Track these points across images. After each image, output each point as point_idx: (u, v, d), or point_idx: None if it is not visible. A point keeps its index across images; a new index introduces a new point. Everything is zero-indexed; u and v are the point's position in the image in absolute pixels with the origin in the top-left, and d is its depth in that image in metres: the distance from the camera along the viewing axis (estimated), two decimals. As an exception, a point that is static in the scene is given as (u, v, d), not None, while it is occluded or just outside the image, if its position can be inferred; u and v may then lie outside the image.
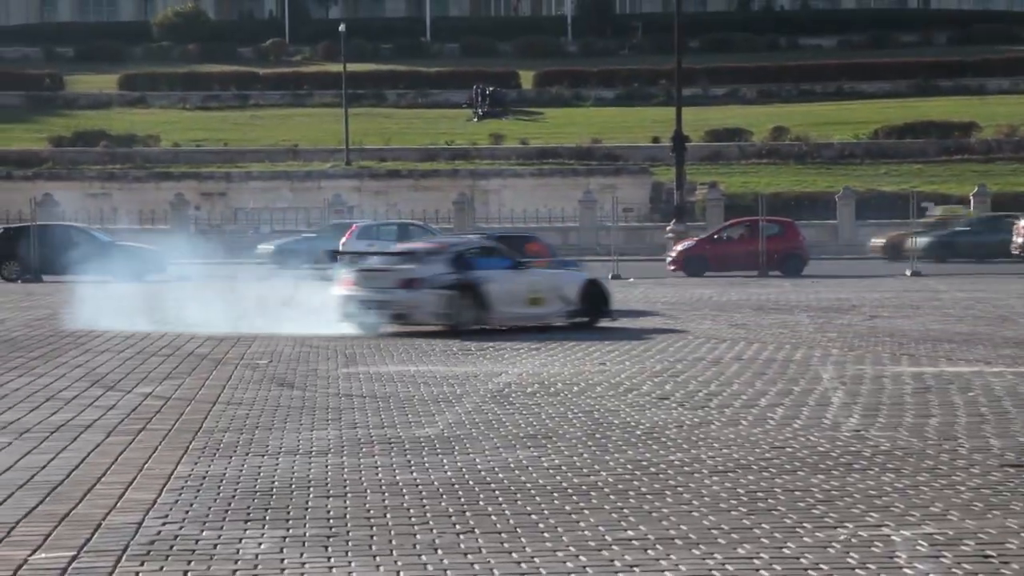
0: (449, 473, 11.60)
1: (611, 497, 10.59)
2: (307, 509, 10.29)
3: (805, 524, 9.67)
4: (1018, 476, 11.27)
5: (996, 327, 24.42)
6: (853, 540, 9.21)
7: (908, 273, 43.62)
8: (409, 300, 24.39)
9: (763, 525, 9.65)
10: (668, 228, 54.31)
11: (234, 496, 10.75)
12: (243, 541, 9.34)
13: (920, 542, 9.14)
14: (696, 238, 48.60)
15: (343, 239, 47.33)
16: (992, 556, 8.78)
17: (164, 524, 9.82)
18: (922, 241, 49.46)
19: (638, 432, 13.56)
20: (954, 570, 8.48)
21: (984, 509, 10.08)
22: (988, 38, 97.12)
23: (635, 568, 8.59)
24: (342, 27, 79.39)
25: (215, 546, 9.22)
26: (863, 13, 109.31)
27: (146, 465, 12.05)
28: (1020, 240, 46.19)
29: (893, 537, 9.27)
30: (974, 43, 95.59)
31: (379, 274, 25.16)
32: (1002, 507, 10.14)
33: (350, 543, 9.27)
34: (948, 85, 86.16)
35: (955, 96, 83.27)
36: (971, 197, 60.80)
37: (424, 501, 10.51)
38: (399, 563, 8.76)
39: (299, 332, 24.04)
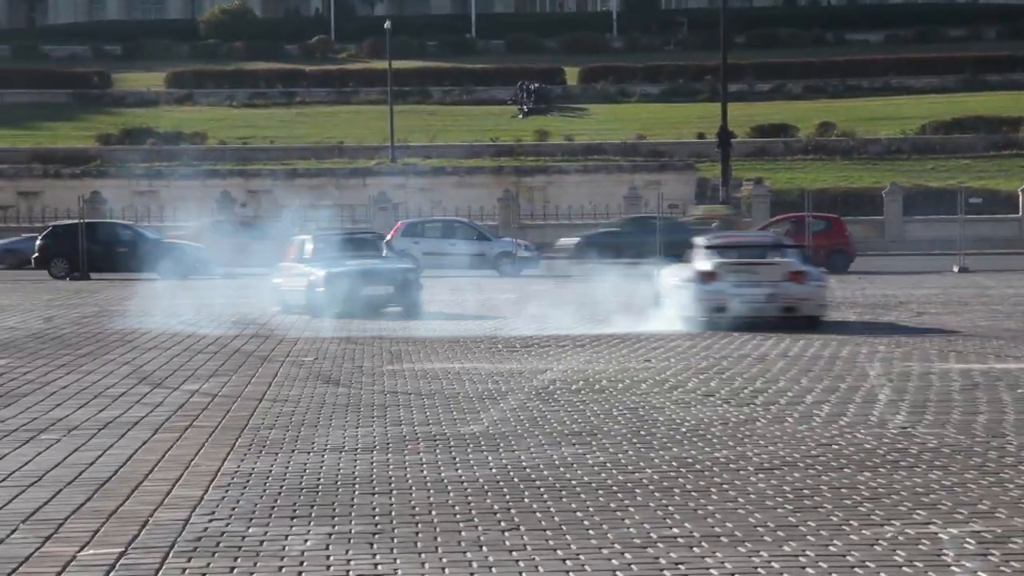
0: (494, 470, 11.61)
1: (656, 495, 10.57)
2: (352, 506, 10.31)
3: (851, 522, 9.62)
4: (1067, 474, 11.18)
5: (1044, 323, 24.25)
6: (900, 538, 9.17)
7: (955, 269, 43.36)
8: (801, 293, 24.35)
9: (809, 523, 9.61)
10: (713, 224, 54.10)
11: (280, 493, 10.79)
12: (289, 538, 9.37)
13: (968, 540, 9.08)
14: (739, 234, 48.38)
15: (388, 236, 47.43)
16: (1040, 555, 8.72)
17: (211, 521, 9.87)
18: (570, 241, 48.86)
19: (683, 429, 13.53)
20: (1002, 568, 8.42)
21: (1032, 507, 10.00)
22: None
23: (680, 566, 8.57)
24: (387, 24, 79.52)
25: (261, 542, 9.26)
26: (910, 8, 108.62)
27: (193, 462, 12.11)
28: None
29: (940, 535, 9.22)
30: (1022, 37, 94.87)
31: (759, 267, 24.93)
32: (1051, 505, 10.06)
33: (395, 540, 9.29)
34: (996, 80, 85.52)
35: (1003, 91, 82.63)
36: (1020, 192, 60.36)
37: (469, 498, 10.52)
38: (444, 560, 8.77)
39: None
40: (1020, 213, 59.46)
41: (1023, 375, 17.18)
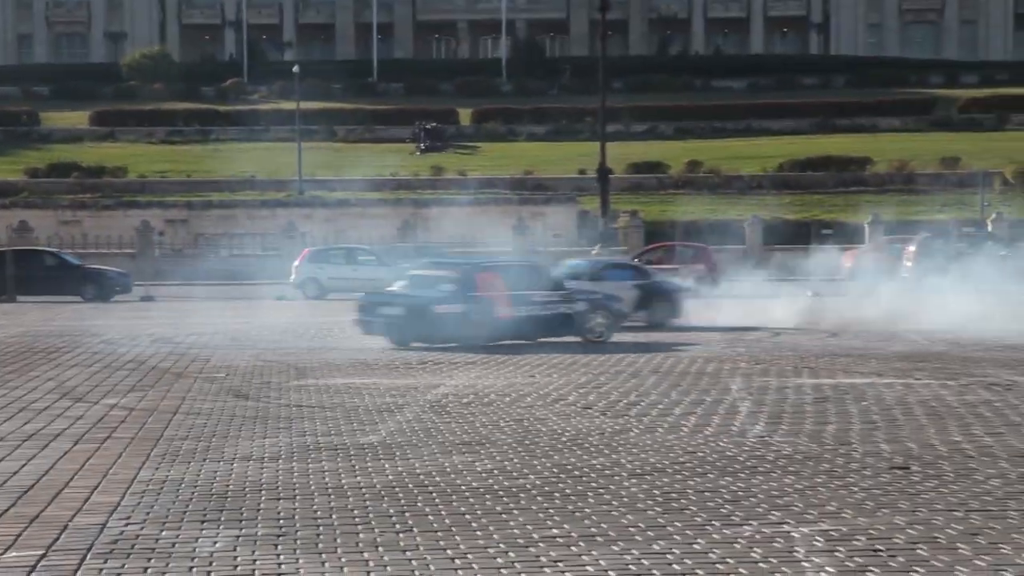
0: (390, 477, 11.56)
1: (538, 498, 10.58)
2: (259, 510, 10.21)
3: (714, 522, 9.70)
4: (905, 477, 11.36)
5: (887, 343, 24.63)
6: (757, 536, 9.25)
7: (809, 294, 43.87)
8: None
9: (676, 523, 9.67)
10: (593, 252, 54.38)
11: (192, 499, 10.65)
12: (199, 540, 9.26)
13: (816, 538, 9.19)
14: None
15: (295, 263, 47.11)
16: (881, 550, 8.84)
17: (127, 525, 9.72)
18: None
19: (563, 439, 13.56)
20: (847, 563, 8.53)
21: (874, 508, 10.15)
22: (881, 81, 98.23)
23: (559, 563, 8.58)
24: (296, 68, 79.18)
25: (173, 545, 9.14)
26: (770, 58, 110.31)
27: (111, 471, 11.92)
28: (909, 263, 46.64)
29: (792, 533, 9.32)
30: (869, 86, 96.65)
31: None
32: (890, 506, 10.21)
33: (298, 542, 9.21)
34: (845, 123, 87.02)
35: (852, 133, 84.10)
36: (865, 225, 61.31)
37: (367, 503, 10.46)
38: (343, 560, 8.71)
39: None
40: (866, 243, 60.39)
41: (868, 389, 17.43)
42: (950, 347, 23.61)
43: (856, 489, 10.86)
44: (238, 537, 9.34)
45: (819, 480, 11.25)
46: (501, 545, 9.04)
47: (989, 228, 56.47)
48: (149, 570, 8.51)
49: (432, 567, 8.51)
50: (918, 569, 8.37)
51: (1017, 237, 54.04)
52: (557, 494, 10.74)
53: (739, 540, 9.15)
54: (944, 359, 21.38)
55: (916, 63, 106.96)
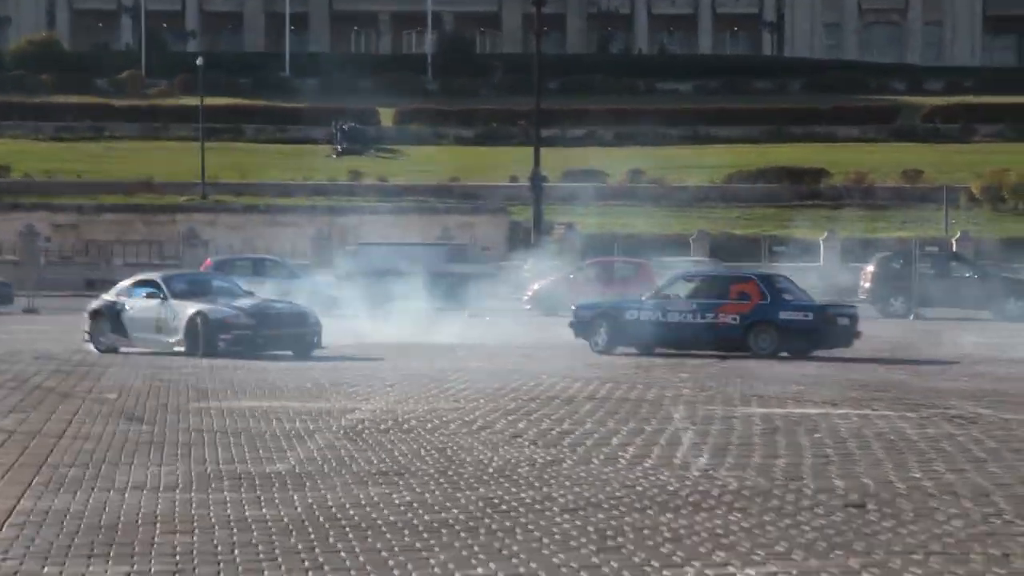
0: (299, 509, 11.51)
1: (462, 535, 10.58)
2: (153, 545, 10.13)
3: (653, 562, 9.73)
4: (860, 516, 11.46)
5: (843, 370, 24.86)
6: (700, 578, 9.29)
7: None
8: None
9: (612, 563, 9.69)
10: (525, 267, 54.50)
11: (78, 532, 10.55)
12: (86, 578, 9.16)
13: (765, 580, 9.24)
14: (552, 277, 48.82)
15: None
16: (834, 594, 8.90)
17: (4, 559, 9.60)
18: None
19: (490, 470, 13.56)
20: (797, 608, 8.58)
21: (827, 548, 10.23)
22: (839, 86, 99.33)
23: (484, 605, 8.58)
24: (200, 60, 78.81)
25: (57, 583, 9.04)
26: (719, 59, 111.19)
27: (-12, 500, 11.78)
28: (867, 285, 47.11)
29: (738, 575, 9.37)
30: (826, 91, 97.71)
31: None
32: (844, 546, 10.30)
33: (196, 580, 9.14)
34: (800, 131, 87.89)
35: (807, 142, 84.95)
36: (821, 242, 61.94)
37: (274, 537, 10.41)
38: (246, 600, 8.65)
39: None
40: (821, 261, 61.01)
41: (821, 420, 17.58)
42: (910, 376, 23.87)
43: (807, 528, 10.94)
44: (129, 574, 9.26)
45: (767, 518, 11.33)
46: (420, 585, 9.02)
47: (954, 247, 57.21)
48: (29, 610, 8.41)
49: (344, 609, 8.47)
50: (874, 615, 8.44)
51: (984, 257, 54.81)
52: (483, 530, 10.75)
53: (681, 582, 9.19)
54: (904, 388, 21.61)
55: (877, 67, 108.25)
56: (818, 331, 27.62)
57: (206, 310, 26.88)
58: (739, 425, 17.03)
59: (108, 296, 28.79)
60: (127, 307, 27.82)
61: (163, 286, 27.94)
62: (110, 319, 27.86)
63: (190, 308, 27.02)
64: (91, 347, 27.93)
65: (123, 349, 27.97)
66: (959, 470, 13.75)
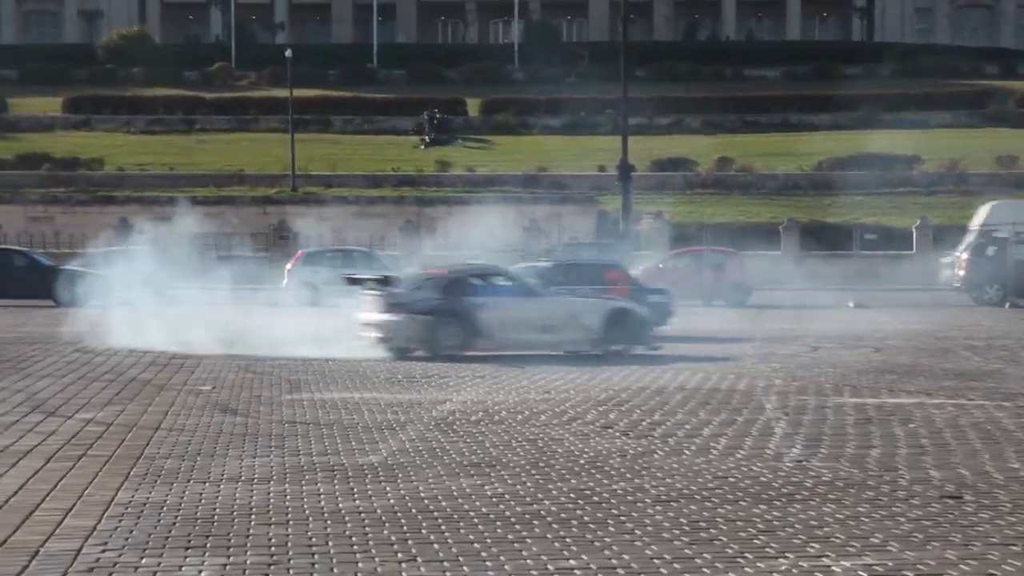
0: (392, 501, 11.57)
1: (554, 526, 10.59)
2: (248, 537, 10.23)
3: (746, 554, 9.70)
4: (957, 508, 11.35)
5: (937, 359, 24.62)
6: (794, 570, 9.25)
7: (851, 304, 43.90)
8: (393, 325, 24.67)
9: (705, 555, 9.67)
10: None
11: (175, 523, 10.68)
12: (183, 569, 9.28)
13: (860, 572, 9.18)
14: (641, 267, 48.72)
15: (288, 265, 47.22)
16: (931, 587, 8.83)
17: (103, 551, 9.74)
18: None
19: (581, 461, 13.57)
20: (894, 601, 8.52)
21: (923, 540, 10.14)
22: (931, 72, 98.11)
23: (577, 598, 8.59)
24: (288, 52, 79.27)
25: (155, 573, 9.16)
26: (808, 45, 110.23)
27: (86, 492, 11.95)
28: (961, 272, 46.59)
29: (833, 568, 9.32)
30: (917, 76, 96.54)
31: (372, 299, 25.51)
32: (941, 539, 10.21)
33: (291, 571, 9.22)
34: (891, 118, 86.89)
35: (898, 129, 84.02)
36: (913, 230, 61.31)
37: (366, 529, 10.48)
38: (341, 592, 8.72)
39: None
40: (914, 250, 60.39)
41: (915, 410, 17.42)
42: (1007, 364, 23.59)
43: (903, 520, 10.86)
44: (225, 566, 9.36)
45: (862, 509, 11.25)
46: (514, 577, 9.05)
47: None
48: (129, 601, 8.53)
49: (438, 601, 8.52)
50: (972, 608, 8.37)
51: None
52: (575, 522, 10.76)
53: (775, 574, 9.16)
54: (1000, 377, 21.37)
55: (969, 52, 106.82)
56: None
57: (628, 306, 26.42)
58: (832, 415, 16.93)
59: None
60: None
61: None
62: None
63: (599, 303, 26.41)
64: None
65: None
66: (1057, 461, 13.58)
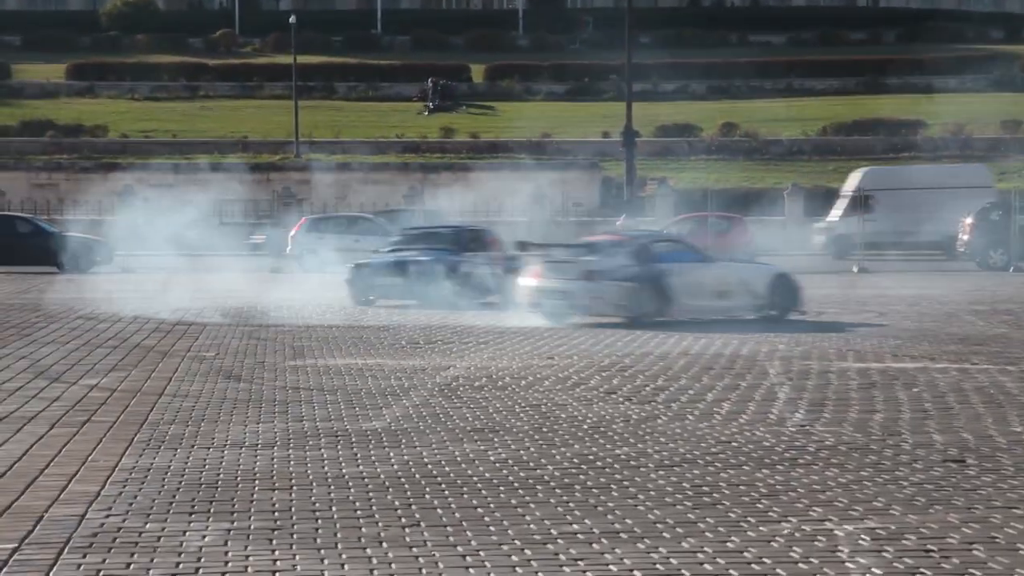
0: (395, 466, 11.59)
1: (557, 491, 10.61)
2: (252, 502, 10.25)
3: (749, 518, 9.71)
4: (960, 472, 11.36)
5: (942, 324, 24.60)
6: (796, 534, 9.26)
7: (855, 270, 43.88)
8: (590, 291, 24.34)
9: (708, 519, 9.68)
10: (618, 223, 54.40)
11: (179, 489, 10.70)
12: (187, 534, 9.30)
13: (862, 536, 9.20)
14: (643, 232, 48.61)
15: (291, 232, 47.21)
16: (933, 551, 8.85)
17: (107, 516, 9.77)
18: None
19: (585, 426, 13.58)
20: (895, 564, 8.54)
21: (926, 504, 10.15)
22: (936, 36, 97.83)
23: (580, 562, 8.61)
24: (292, 19, 79.13)
25: (159, 538, 9.18)
26: (812, 10, 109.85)
27: (90, 457, 11.98)
28: (965, 237, 46.53)
29: (836, 531, 9.33)
30: (922, 41, 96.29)
31: (563, 266, 25.03)
32: (944, 502, 10.22)
33: (295, 536, 9.24)
34: (896, 83, 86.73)
35: (902, 94, 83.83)
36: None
37: (370, 494, 10.50)
38: (344, 556, 8.74)
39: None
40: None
41: (919, 374, 17.42)
42: (1011, 328, 23.58)
43: (906, 484, 10.87)
44: (229, 531, 9.38)
45: (865, 473, 11.26)
46: (516, 542, 9.07)
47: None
48: (132, 565, 8.55)
49: (441, 565, 8.54)
50: (974, 572, 8.38)
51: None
52: (578, 486, 10.77)
53: (777, 538, 9.17)
54: (1004, 342, 21.36)
55: (975, 16, 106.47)
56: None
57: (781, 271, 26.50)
58: (835, 380, 16.93)
59: None
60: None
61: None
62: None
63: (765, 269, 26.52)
64: None
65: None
66: (1060, 425, 13.58)
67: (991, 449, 12.33)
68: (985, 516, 9.77)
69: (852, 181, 53.31)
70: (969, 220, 46.61)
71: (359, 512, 9.92)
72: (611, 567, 8.51)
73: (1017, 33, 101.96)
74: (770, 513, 9.87)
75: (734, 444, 12.60)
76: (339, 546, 8.98)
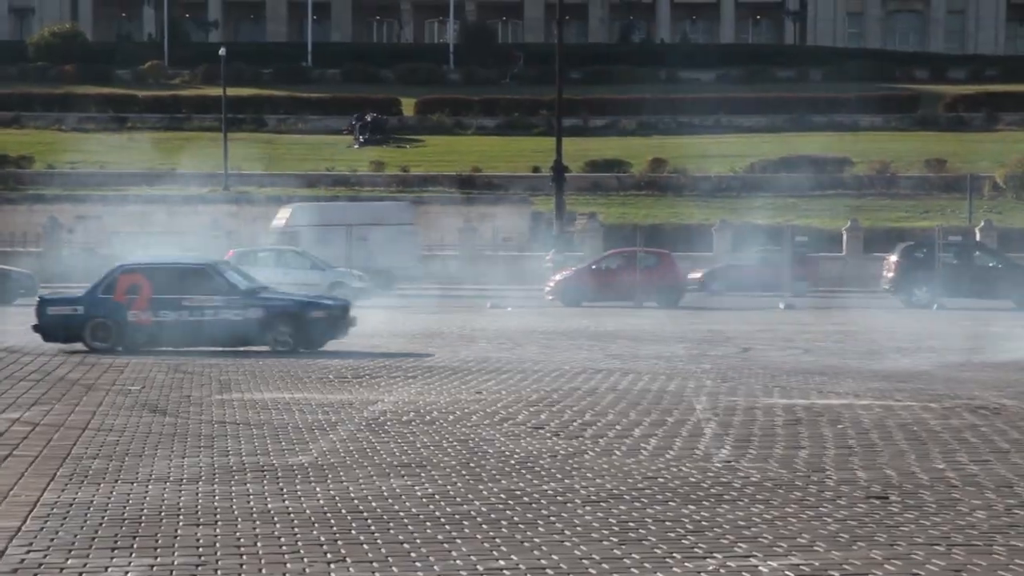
0: (322, 501, 11.54)
1: (484, 527, 10.60)
2: (176, 537, 10.17)
3: (675, 554, 9.74)
4: (883, 508, 11.45)
5: (866, 361, 24.81)
6: (722, 571, 9.30)
7: (781, 306, 44.18)
8: None
9: (633, 555, 9.70)
10: (547, 257, 54.55)
11: (101, 524, 10.59)
12: (109, 570, 9.20)
13: (787, 572, 9.24)
14: (574, 268, 48.84)
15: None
16: (857, 586, 8.90)
17: (28, 552, 9.65)
18: None
19: (512, 461, 13.58)
20: (819, 600, 8.58)
21: (850, 540, 10.22)
22: (862, 75, 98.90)
23: (505, 598, 8.59)
24: (222, 51, 78.87)
25: (80, 574, 9.08)
26: (741, 48, 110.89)
27: (11, 492, 11.84)
28: (890, 275, 46.98)
29: (761, 568, 9.37)
30: (849, 80, 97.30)
31: None
32: (867, 538, 10.29)
33: (219, 572, 9.18)
34: (823, 120, 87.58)
35: (829, 131, 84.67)
36: (844, 231, 61.77)
37: (296, 530, 10.44)
38: (268, 593, 8.68)
39: None
40: (844, 251, 60.86)
41: (844, 411, 17.55)
42: (934, 366, 23.82)
43: (830, 520, 10.94)
44: (152, 567, 9.30)
45: (790, 510, 11.32)
46: (442, 578, 9.04)
47: (977, 237, 57.01)
48: (53, 602, 8.45)
49: (366, 601, 8.50)
50: (896, 607, 8.44)
51: (1008, 247, 54.62)
52: (504, 522, 10.76)
53: (703, 574, 9.20)
54: (927, 379, 21.57)
55: (900, 56, 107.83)
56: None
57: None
58: (761, 416, 17.02)
59: None
60: None
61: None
62: None
63: None
64: None
65: None
66: (982, 461, 13.72)
67: (914, 486, 12.43)
68: (907, 553, 9.85)
69: (283, 216, 54.09)
70: (894, 258, 47.09)
71: (284, 548, 9.86)
72: (537, 603, 8.50)
73: (941, 73, 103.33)
74: (696, 549, 9.90)
75: (660, 480, 12.64)
76: (264, 582, 8.92)
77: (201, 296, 25.91)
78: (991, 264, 46.52)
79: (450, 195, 69.24)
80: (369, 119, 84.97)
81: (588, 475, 12.86)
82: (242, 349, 25.75)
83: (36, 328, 26.42)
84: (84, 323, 25.93)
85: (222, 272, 26.78)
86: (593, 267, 47.92)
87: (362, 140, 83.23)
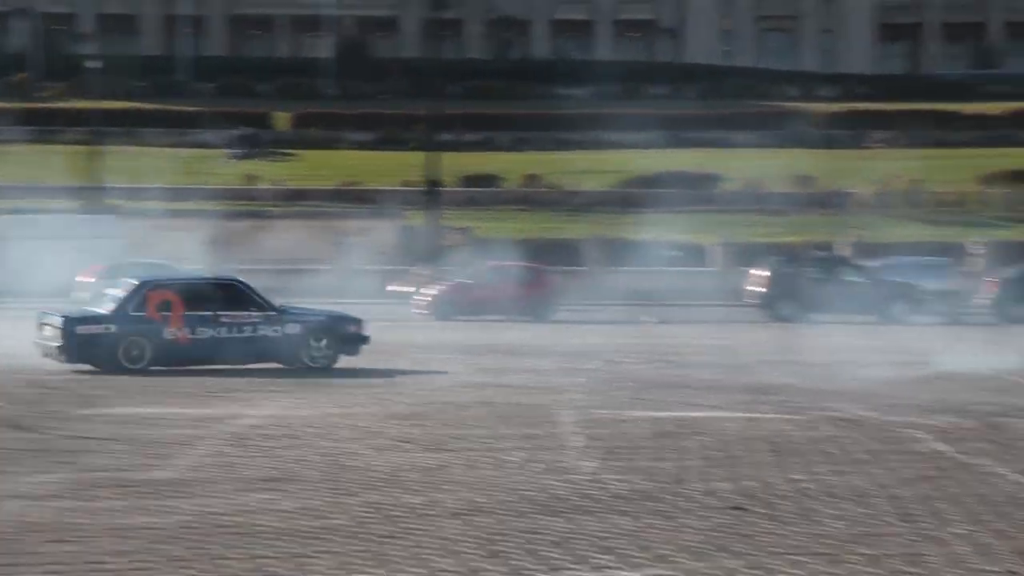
0: (184, 517, 11.43)
1: (345, 540, 10.56)
2: (35, 554, 10.02)
3: (537, 567, 9.78)
4: (743, 519, 11.59)
5: (733, 374, 25.08)
6: (581, 582, 9.35)
7: (653, 320, 44.51)
8: None
9: (497, 568, 9.72)
10: (419, 271, 54.42)
11: (-43, 541, 10.41)
12: (-37, 588, 9.05)
13: (646, 583, 9.32)
14: (447, 282, 48.77)
15: (79, 278, 46.33)
16: (713, 596, 9.00)
17: None
18: None
19: (378, 475, 13.55)
20: (676, 610, 8.67)
21: (709, 551, 10.33)
22: (735, 93, 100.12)
23: (365, 611, 8.57)
24: (95, 63, 77.90)
25: (-68, 593, 8.92)
26: (616, 65, 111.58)
27: None
28: (755, 289, 47.49)
29: (620, 578, 9.44)
30: (722, 97, 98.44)
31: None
32: (727, 549, 10.41)
33: (76, 589, 9.06)
34: (696, 137, 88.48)
35: (702, 148, 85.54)
36: (715, 247, 62.40)
37: (156, 545, 10.33)
38: (125, 609, 8.59)
39: None
40: (715, 266, 61.46)
41: (709, 423, 17.74)
42: (798, 379, 24.14)
43: (690, 531, 11.04)
44: (7, 584, 9.16)
45: (651, 521, 11.42)
46: (302, 592, 9.00)
47: (844, 252, 57.85)
48: (-97, 621, 8.29)
49: (224, 616, 8.44)
50: (751, 616, 8.55)
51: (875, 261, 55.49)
52: (367, 535, 10.73)
53: (562, 586, 9.24)
54: (789, 392, 21.86)
55: (772, 74, 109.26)
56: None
57: None
58: (628, 429, 17.15)
59: None
60: None
61: None
62: None
63: None
64: None
65: None
66: (841, 472, 13.94)
67: (773, 497, 12.60)
68: (766, 562, 9.98)
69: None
70: (763, 273, 47.66)
71: (145, 564, 9.75)
72: (396, 616, 8.50)
73: (811, 91, 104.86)
74: (557, 561, 9.95)
75: (525, 492, 12.68)
76: (120, 599, 8.82)
77: (239, 312, 24.80)
78: (856, 279, 47.24)
79: (323, 209, 68.92)
80: (244, 133, 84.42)
81: (454, 488, 12.87)
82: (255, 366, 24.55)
83: (61, 349, 24.10)
84: (117, 342, 24.21)
85: (251, 287, 26.01)
86: (467, 281, 47.88)
87: (237, 154, 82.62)
